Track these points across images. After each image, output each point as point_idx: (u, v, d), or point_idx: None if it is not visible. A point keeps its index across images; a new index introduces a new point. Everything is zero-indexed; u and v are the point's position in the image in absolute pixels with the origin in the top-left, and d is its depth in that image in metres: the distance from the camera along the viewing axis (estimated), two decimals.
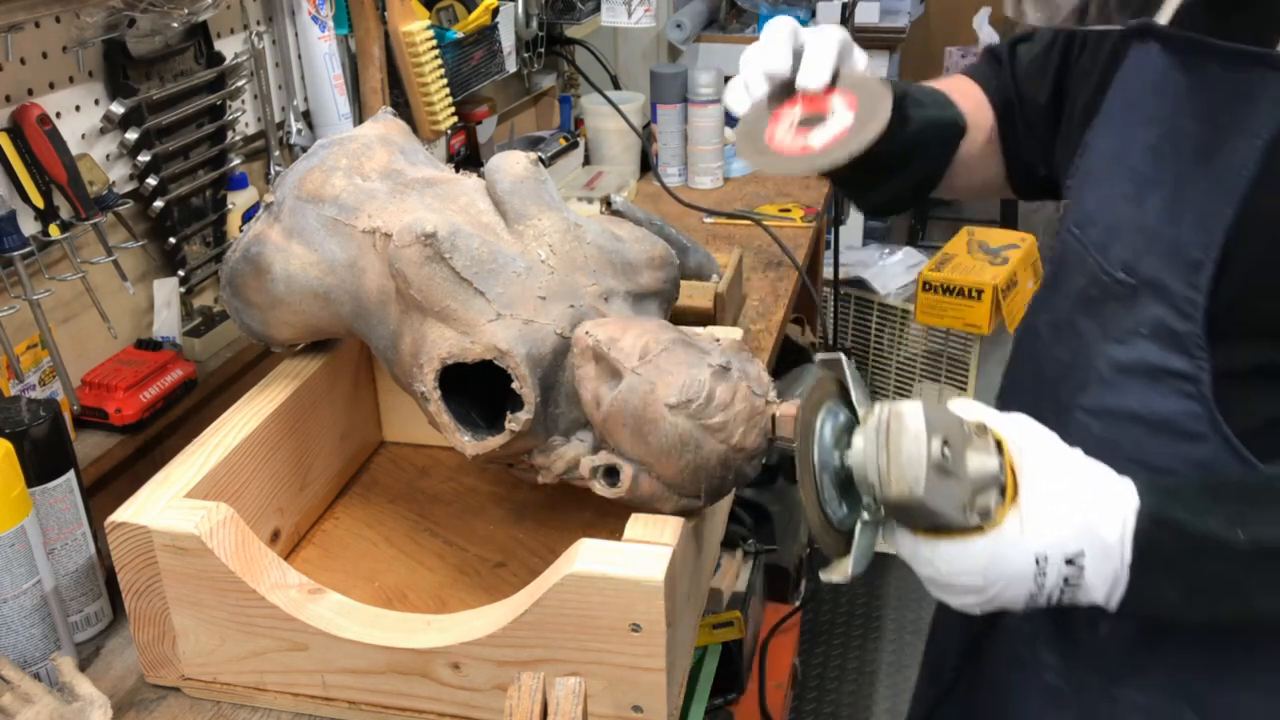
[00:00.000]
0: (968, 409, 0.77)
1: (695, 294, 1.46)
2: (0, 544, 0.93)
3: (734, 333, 1.15)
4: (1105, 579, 0.74)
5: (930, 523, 0.73)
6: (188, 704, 0.98)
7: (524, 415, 0.94)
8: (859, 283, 2.80)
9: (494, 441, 0.96)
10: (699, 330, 1.04)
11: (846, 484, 0.77)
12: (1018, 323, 1.12)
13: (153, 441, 1.29)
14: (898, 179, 1.10)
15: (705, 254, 1.52)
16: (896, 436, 0.71)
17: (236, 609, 0.93)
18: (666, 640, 0.86)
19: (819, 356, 0.81)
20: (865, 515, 0.75)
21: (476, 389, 1.00)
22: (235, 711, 0.98)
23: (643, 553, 0.86)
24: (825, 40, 0.98)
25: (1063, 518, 0.73)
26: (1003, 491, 0.74)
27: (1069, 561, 0.73)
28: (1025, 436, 0.76)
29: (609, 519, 1.16)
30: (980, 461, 0.73)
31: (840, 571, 0.76)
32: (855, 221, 2.94)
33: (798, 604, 2.37)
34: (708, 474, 0.90)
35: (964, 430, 0.74)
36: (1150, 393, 0.87)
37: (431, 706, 0.94)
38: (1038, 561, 0.72)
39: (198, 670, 0.98)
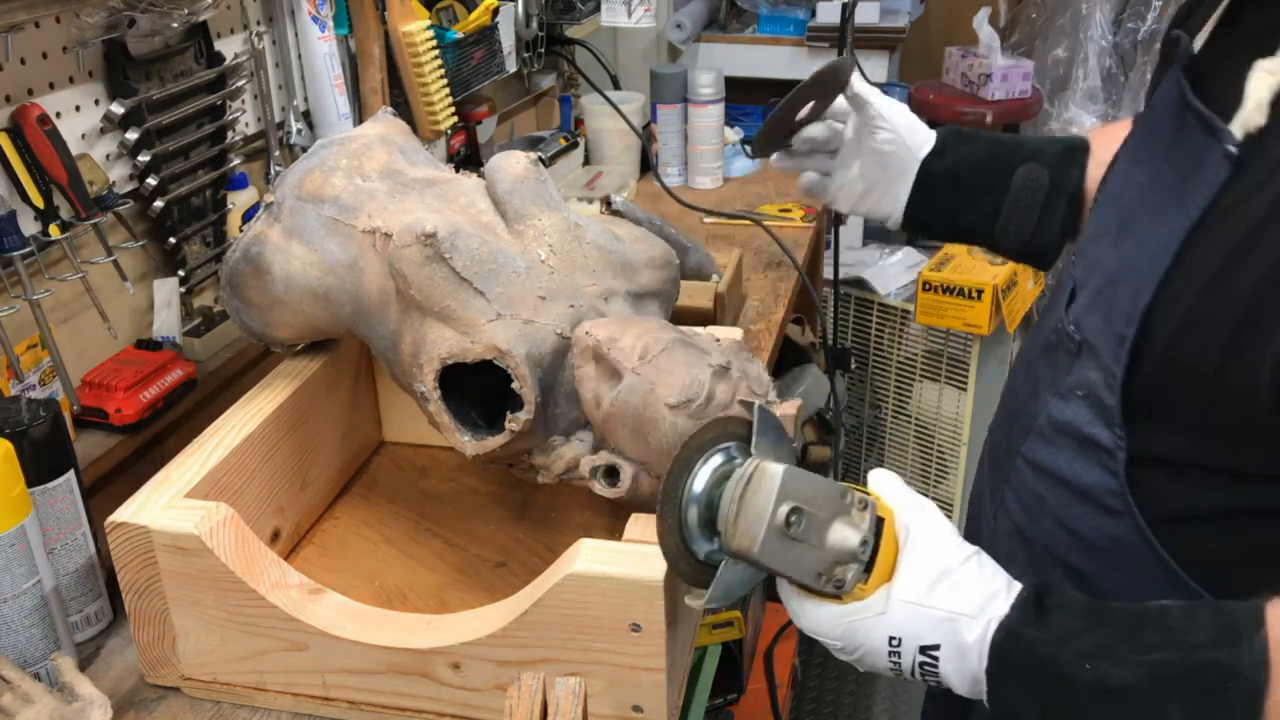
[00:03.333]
0: (880, 481, 0.79)
1: (695, 294, 1.46)
2: (0, 544, 0.93)
3: (734, 333, 1.15)
4: (963, 676, 0.74)
5: (781, 577, 0.76)
6: (188, 704, 0.98)
7: (524, 415, 0.94)
8: (859, 283, 2.80)
9: (494, 441, 0.96)
10: (699, 330, 1.04)
11: (709, 517, 0.78)
12: (1018, 323, 1.11)
13: (153, 441, 1.29)
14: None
15: (705, 254, 1.52)
16: (752, 495, 0.74)
17: (236, 609, 0.93)
18: (666, 640, 0.86)
19: (758, 402, 0.82)
20: (728, 559, 0.77)
21: (476, 389, 1.00)
22: (235, 711, 0.98)
23: (643, 553, 0.86)
24: None
25: (926, 609, 0.73)
26: (867, 569, 0.75)
27: (924, 649, 0.74)
28: (921, 525, 0.76)
29: (609, 519, 1.16)
30: (842, 535, 0.74)
31: (696, 598, 0.78)
32: (855, 221, 2.93)
33: None
34: None
35: (842, 503, 0.75)
36: (1078, 459, 0.85)
37: (431, 706, 0.94)
38: (891, 641, 0.74)
39: (198, 670, 0.98)
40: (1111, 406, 0.80)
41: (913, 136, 1.17)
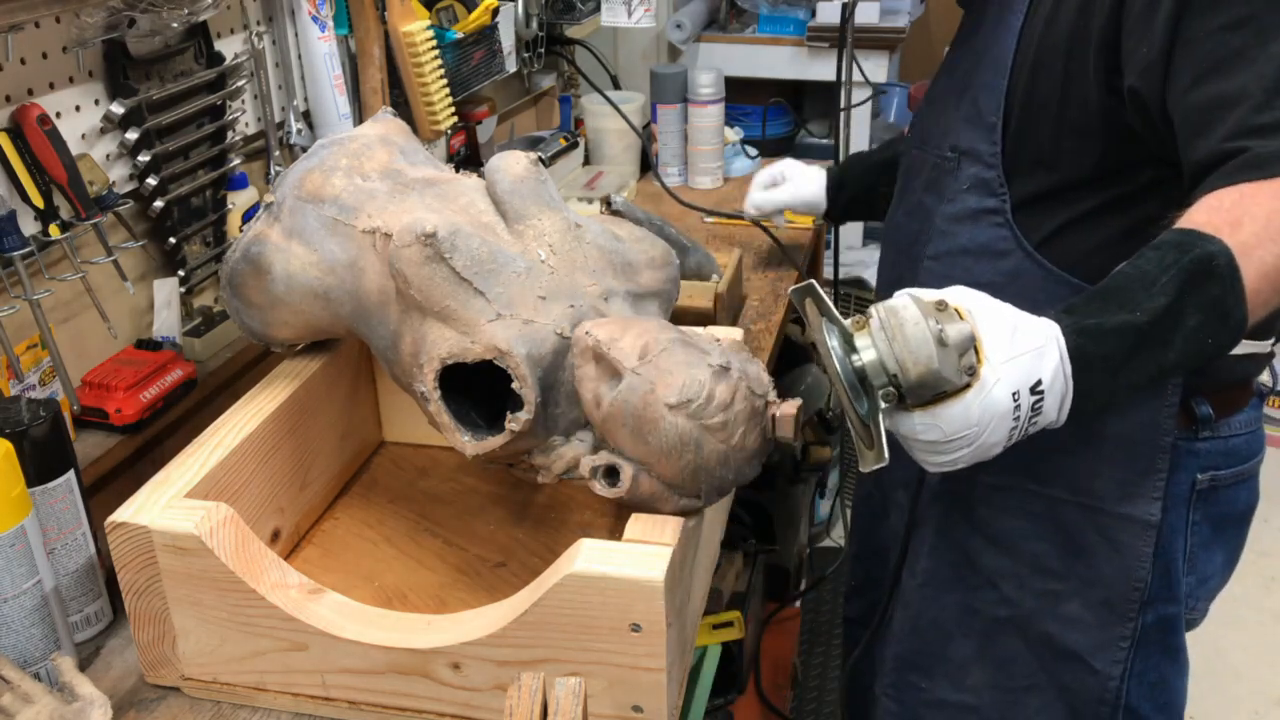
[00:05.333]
0: (921, 293, 0.88)
1: (695, 294, 1.46)
2: (0, 544, 0.93)
3: (734, 333, 1.15)
4: (1057, 395, 0.87)
5: (934, 392, 0.84)
6: (188, 704, 0.98)
7: (524, 415, 0.94)
8: (859, 283, 2.79)
9: (494, 441, 0.96)
10: (699, 330, 1.04)
11: (858, 385, 0.86)
12: None
13: (153, 441, 1.29)
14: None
15: (705, 254, 1.52)
16: (900, 328, 0.83)
17: (236, 609, 0.93)
18: (666, 640, 0.86)
19: (792, 288, 0.91)
20: (882, 405, 0.85)
21: (476, 389, 1.00)
22: (235, 711, 0.98)
23: (643, 553, 0.86)
24: None
25: (1019, 357, 0.86)
26: (976, 350, 0.85)
27: (1033, 390, 0.86)
28: (972, 301, 0.88)
29: (609, 519, 1.16)
30: (957, 329, 0.84)
31: (878, 458, 0.85)
32: (855, 222, 2.93)
33: (798, 600, 2.37)
34: (708, 474, 0.90)
35: (935, 309, 0.85)
36: (973, 230, 1.18)
37: (431, 706, 0.94)
38: (1014, 397, 0.85)
39: (198, 670, 0.98)
40: (992, 177, 1.15)
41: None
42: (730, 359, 0.92)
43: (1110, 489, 1.15)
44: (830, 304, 0.88)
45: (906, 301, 0.84)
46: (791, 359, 2.43)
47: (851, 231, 2.92)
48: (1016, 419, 0.86)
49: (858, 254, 2.90)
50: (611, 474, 0.93)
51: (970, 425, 0.85)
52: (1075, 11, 1.06)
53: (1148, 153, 1.05)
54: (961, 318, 0.86)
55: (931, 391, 0.84)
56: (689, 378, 0.89)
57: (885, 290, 1.33)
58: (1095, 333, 0.88)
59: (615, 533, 0.91)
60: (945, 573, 1.28)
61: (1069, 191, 1.11)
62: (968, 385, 0.84)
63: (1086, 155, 1.09)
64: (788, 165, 1.72)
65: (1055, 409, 0.88)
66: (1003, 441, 0.87)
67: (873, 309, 0.86)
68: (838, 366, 0.86)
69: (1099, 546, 1.17)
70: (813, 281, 0.88)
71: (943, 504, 1.27)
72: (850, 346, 0.86)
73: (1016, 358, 0.85)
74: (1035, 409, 0.87)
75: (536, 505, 1.20)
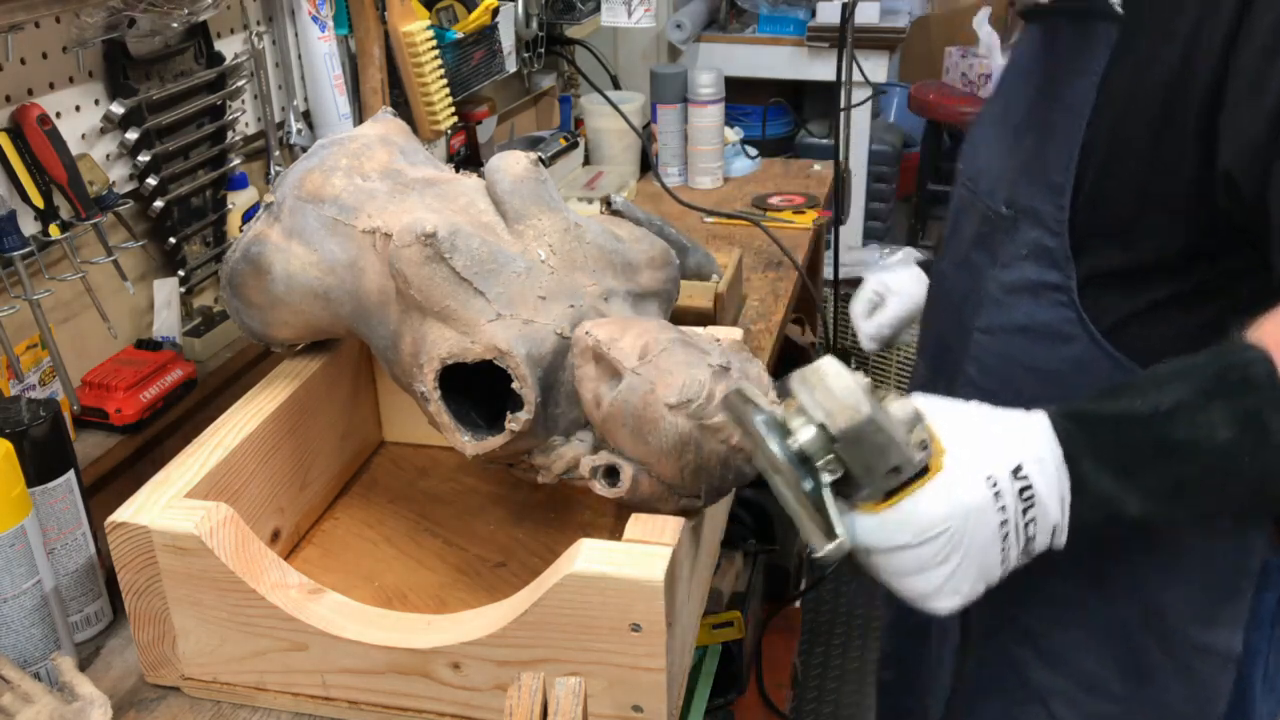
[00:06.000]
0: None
1: (695, 294, 1.46)
2: (0, 544, 0.93)
3: (734, 333, 1.15)
4: (1051, 485, 0.77)
5: (885, 463, 0.74)
6: (188, 704, 0.98)
7: (524, 415, 0.94)
8: (859, 283, 2.80)
9: (494, 441, 0.96)
10: (699, 330, 1.04)
11: (801, 468, 0.76)
12: None
13: (153, 441, 1.29)
14: None
15: (705, 254, 1.52)
16: (823, 380, 0.74)
17: (236, 609, 0.93)
18: (666, 640, 0.86)
19: (720, 400, 0.85)
20: (825, 479, 0.75)
21: (476, 389, 1.00)
22: (235, 711, 0.98)
23: (643, 553, 0.86)
24: None
25: (991, 441, 0.77)
26: (929, 434, 0.76)
27: (1015, 473, 0.76)
28: (925, 399, 0.79)
29: (609, 519, 1.16)
30: (900, 405, 0.75)
31: (836, 545, 0.75)
32: (855, 221, 2.94)
33: (798, 600, 2.37)
34: (708, 474, 0.90)
35: (873, 388, 0.77)
36: (1033, 306, 1.02)
37: (431, 706, 0.94)
38: (990, 482, 0.75)
39: (198, 670, 0.98)
40: (1056, 248, 0.99)
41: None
42: (730, 359, 0.92)
43: (1185, 611, 1.01)
44: (758, 396, 0.80)
45: (828, 359, 0.75)
46: (791, 359, 2.43)
47: (851, 231, 2.92)
48: (1003, 512, 0.75)
49: (858, 254, 2.91)
50: (611, 474, 0.93)
51: (945, 519, 0.74)
52: (1177, 61, 0.88)
53: (1244, 236, 0.91)
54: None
55: (880, 461, 0.74)
56: (689, 378, 0.89)
57: (930, 360, 1.21)
58: (1087, 418, 0.78)
59: (615, 533, 0.91)
60: (987, 681, 1.16)
61: (1150, 273, 0.95)
62: (925, 470, 0.75)
63: (1173, 234, 0.93)
64: (876, 281, 1.52)
65: (1055, 506, 0.77)
66: (996, 542, 0.76)
67: (792, 376, 0.77)
68: (777, 451, 0.76)
69: (1168, 671, 1.03)
70: (739, 387, 0.82)
71: (992, 606, 1.08)
72: (786, 431, 0.77)
73: (987, 443, 0.76)
74: (1026, 499, 0.76)
75: (536, 505, 1.20)
